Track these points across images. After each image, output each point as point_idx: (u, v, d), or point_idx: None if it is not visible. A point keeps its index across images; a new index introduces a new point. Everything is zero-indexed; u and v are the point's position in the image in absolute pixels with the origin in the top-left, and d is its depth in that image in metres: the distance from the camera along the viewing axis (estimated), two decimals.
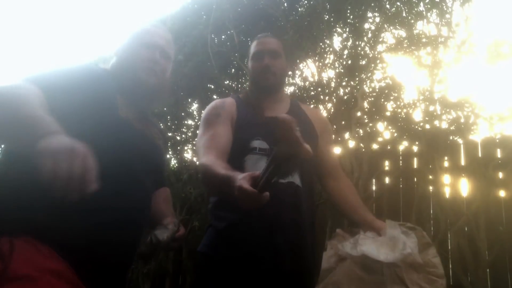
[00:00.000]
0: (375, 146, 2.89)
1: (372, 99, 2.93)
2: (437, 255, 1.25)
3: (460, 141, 2.60)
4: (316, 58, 3.15)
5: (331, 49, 3.05)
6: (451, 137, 2.57)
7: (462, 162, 2.58)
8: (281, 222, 1.31)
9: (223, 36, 3.57)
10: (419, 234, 1.28)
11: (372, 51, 2.88)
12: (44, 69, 1.10)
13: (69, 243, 0.91)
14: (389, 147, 2.89)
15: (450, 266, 2.49)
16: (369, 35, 2.92)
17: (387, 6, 2.81)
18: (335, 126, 2.96)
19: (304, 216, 1.39)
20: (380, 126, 2.86)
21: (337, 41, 3.08)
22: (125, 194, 1.04)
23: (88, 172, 0.77)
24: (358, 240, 1.28)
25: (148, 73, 1.20)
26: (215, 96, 3.77)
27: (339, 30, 3.09)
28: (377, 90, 2.93)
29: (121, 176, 1.04)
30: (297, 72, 3.25)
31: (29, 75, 1.04)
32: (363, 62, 2.89)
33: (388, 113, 2.78)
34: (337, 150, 3.03)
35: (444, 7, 2.63)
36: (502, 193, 2.41)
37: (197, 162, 1.33)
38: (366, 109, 2.82)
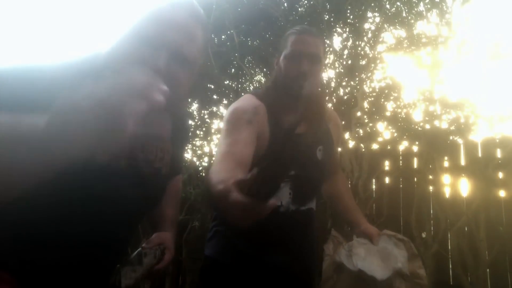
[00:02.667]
0: (375, 146, 2.89)
1: (372, 99, 2.93)
2: (423, 267, 1.34)
3: (460, 141, 2.60)
4: None
5: (331, 49, 3.05)
6: (451, 137, 2.57)
7: (462, 162, 2.58)
8: (298, 245, 1.32)
9: (223, 36, 3.57)
10: (408, 245, 1.37)
11: (372, 51, 2.88)
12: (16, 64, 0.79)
13: (30, 274, 0.77)
14: (389, 147, 2.89)
15: (450, 266, 2.49)
16: (369, 35, 2.92)
17: (387, 6, 2.81)
18: None
19: (314, 237, 1.41)
20: (380, 126, 2.86)
21: (337, 41, 3.08)
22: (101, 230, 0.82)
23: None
24: (352, 248, 1.35)
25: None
26: (215, 96, 3.78)
27: (339, 30, 3.09)
28: (377, 90, 2.93)
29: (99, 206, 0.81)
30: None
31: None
32: (363, 62, 2.89)
33: (388, 113, 2.78)
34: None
35: (444, 7, 2.63)
36: (502, 193, 2.42)
37: (211, 177, 0.99)
38: (366, 109, 2.82)
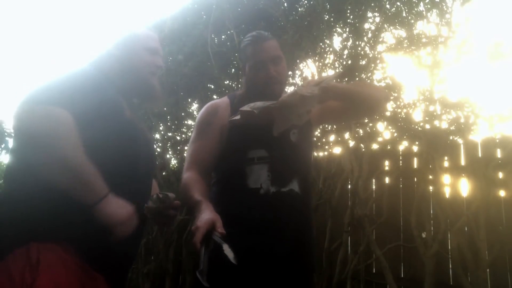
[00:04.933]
0: (375, 146, 2.89)
1: None
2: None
3: (460, 141, 2.60)
4: (316, 58, 3.15)
5: (331, 49, 3.05)
6: (451, 137, 2.57)
7: (462, 162, 2.58)
8: (282, 228, 1.32)
9: (223, 36, 3.57)
10: None
11: (372, 51, 2.88)
12: (54, 81, 1.12)
13: (87, 245, 1.02)
14: (389, 147, 2.89)
15: (450, 266, 2.49)
16: (369, 35, 2.92)
17: (387, 6, 2.80)
18: (335, 126, 2.96)
19: (304, 222, 1.40)
20: (380, 126, 2.86)
21: (337, 41, 3.08)
22: (134, 194, 1.15)
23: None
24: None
25: (153, 77, 1.30)
26: (215, 96, 3.78)
27: (339, 30, 3.09)
28: None
29: (131, 177, 1.15)
30: (297, 72, 3.25)
31: (49, 95, 1.05)
32: (363, 62, 2.89)
33: (388, 113, 2.78)
34: (337, 150, 3.04)
35: (444, 7, 2.62)
36: (502, 193, 2.41)
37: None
38: None
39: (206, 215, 1.12)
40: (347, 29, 3.02)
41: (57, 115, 1.00)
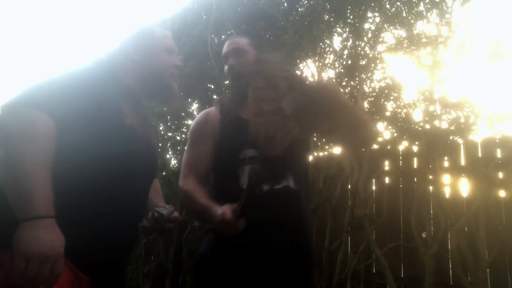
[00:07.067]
0: (375, 146, 2.89)
1: (372, 99, 2.93)
2: None
3: (460, 141, 2.60)
4: (316, 58, 3.15)
5: (331, 49, 3.05)
6: (451, 137, 2.57)
7: (462, 162, 2.58)
8: (280, 224, 1.32)
9: (223, 36, 3.57)
10: None
11: (372, 51, 2.88)
12: (48, 81, 1.07)
13: (78, 249, 0.96)
14: (389, 147, 2.89)
15: (450, 266, 2.49)
16: (369, 35, 2.92)
17: (387, 6, 2.80)
18: None
19: (301, 216, 1.40)
20: (380, 126, 2.86)
21: (337, 41, 3.08)
22: (129, 201, 1.12)
23: (53, 277, 0.88)
24: None
25: (173, 78, 1.29)
26: (215, 96, 3.78)
27: (339, 30, 3.09)
28: (377, 90, 2.93)
29: (126, 185, 1.12)
30: (297, 72, 3.25)
31: (35, 97, 1.00)
32: (363, 62, 2.89)
33: (388, 113, 2.78)
34: (337, 150, 3.04)
35: (444, 7, 2.63)
36: (502, 193, 2.41)
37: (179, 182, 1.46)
38: (366, 109, 2.82)
39: (220, 209, 1.19)
40: (347, 29, 3.02)
41: (34, 120, 0.95)
